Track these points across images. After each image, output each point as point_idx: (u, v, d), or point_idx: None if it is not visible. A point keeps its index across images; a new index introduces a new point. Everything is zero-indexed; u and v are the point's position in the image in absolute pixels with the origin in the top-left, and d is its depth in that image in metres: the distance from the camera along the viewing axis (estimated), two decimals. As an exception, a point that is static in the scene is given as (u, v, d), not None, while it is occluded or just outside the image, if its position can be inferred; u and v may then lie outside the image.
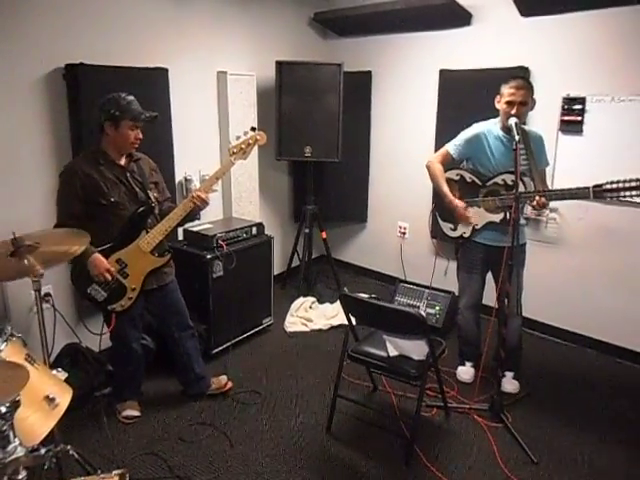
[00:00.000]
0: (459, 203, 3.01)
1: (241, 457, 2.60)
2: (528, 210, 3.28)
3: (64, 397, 1.68)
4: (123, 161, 2.64)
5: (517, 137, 2.60)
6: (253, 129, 2.83)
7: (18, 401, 1.52)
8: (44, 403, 1.70)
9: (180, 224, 2.74)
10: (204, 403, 3.02)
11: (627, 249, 3.45)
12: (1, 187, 2.85)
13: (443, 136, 3.94)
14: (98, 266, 2.48)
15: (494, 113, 2.95)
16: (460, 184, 3.06)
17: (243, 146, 2.76)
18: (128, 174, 2.63)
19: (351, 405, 2.96)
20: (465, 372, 3.31)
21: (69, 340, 3.05)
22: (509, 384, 3.14)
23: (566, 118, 3.49)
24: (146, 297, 2.75)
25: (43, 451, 1.69)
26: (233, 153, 2.75)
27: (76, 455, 2.04)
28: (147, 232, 2.62)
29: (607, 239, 3.51)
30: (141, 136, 2.58)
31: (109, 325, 2.67)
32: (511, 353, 2.99)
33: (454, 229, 3.14)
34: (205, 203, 2.68)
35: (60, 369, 1.90)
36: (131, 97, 2.53)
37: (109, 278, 2.52)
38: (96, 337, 2.73)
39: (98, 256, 2.49)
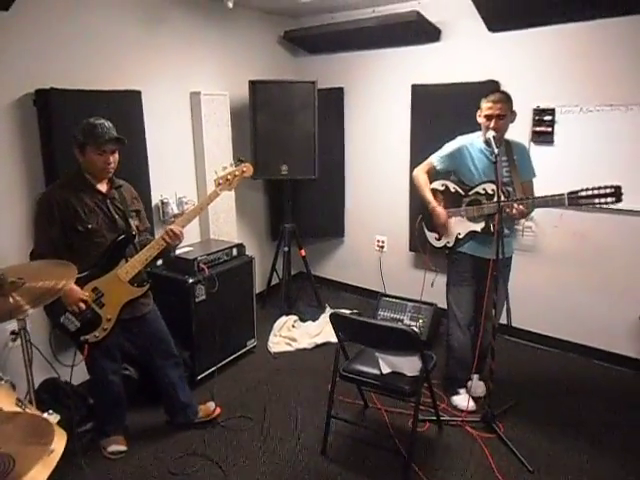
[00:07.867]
0: (441, 210, 3.04)
1: (236, 487, 2.53)
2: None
3: (59, 442, 1.57)
4: (104, 188, 2.56)
5: (496, 150, 2.66)
6: (240, 160, 2.78)
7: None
8: (37, 450, 1.60)
9: (157, 258, 2.66)
10: (193, 433, 2.93)
11: (602, 254, 3.54)
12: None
13: (417, 150, 4.01)
14: (72, 296, 2.38)
15: (469, 126, 3.00)
16: (445, 194, 3.09)
17: (229, 177, 2.71)
18: (108, 201, 2.55)
19: (344, 424, 2.93)
20: (463, 400, 3.12)
21: (46, 375, 2.91)
22: (479, 387, 3.21)
23: (537, 129, 3.59)
24: (125, 327, 2.66)
25: (36, 500, 1.58)
26: (219, 184, 2.70)
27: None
28: (126, 261, 2.54)
29: (582, 245, 3.60)
30: (112, 161, 2.47)
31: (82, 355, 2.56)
32: (483, 354, 3.01)
33: (438, 239, 3.16)
34: (177, 239, 2.58)
35: (51, 411, 1.79)
36: (100, 121, 2.42)
37: (83, 308, 2.43)
38: (74, 370, 2.60)
39: (72, 285, 2.37)
